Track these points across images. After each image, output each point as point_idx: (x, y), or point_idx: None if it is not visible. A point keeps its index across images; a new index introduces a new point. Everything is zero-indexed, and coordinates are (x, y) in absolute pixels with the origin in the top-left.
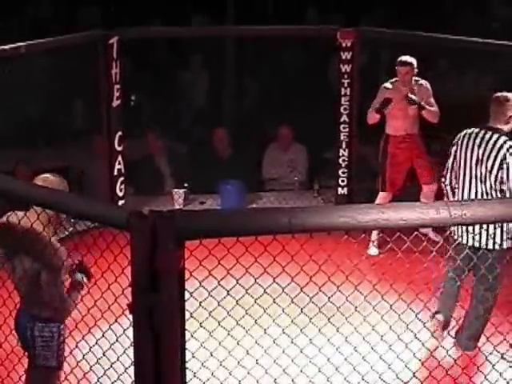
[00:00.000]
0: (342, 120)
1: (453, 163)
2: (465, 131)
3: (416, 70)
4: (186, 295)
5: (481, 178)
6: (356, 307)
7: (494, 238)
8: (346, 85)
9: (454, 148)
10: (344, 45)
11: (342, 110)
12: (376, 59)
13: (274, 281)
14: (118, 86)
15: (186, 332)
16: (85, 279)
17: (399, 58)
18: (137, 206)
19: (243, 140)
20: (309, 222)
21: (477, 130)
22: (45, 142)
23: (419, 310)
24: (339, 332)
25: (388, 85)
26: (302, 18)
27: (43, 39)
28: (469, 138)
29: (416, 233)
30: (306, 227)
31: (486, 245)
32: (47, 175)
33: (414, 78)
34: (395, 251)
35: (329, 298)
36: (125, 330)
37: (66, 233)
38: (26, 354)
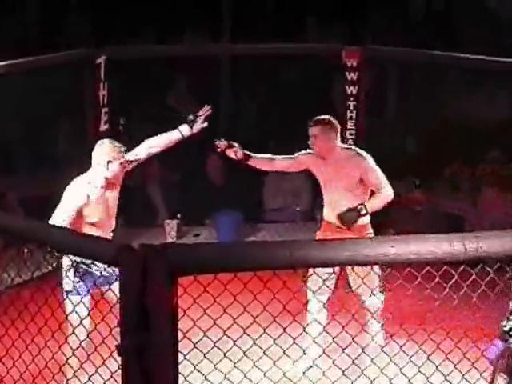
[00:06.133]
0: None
1: None
2: None
3: (334, 134)
4: (179, 335)
5: None
6: (363, 349)
7: None
8: (351, 107)
9: None
10: (349, 64)
11: (347, 135)
12: (384, 79)
13: (275, 320)
14: (105, 110)
15: (179, 376)
16: None
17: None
18: (126, 238)
19: (240, 166)
20: (311, 256)
21: None
22: (26, 170)
23: (431, 352)
24: (345, 375)
25: (302, 154)
26: (302, 30)
27: (24, 58)
28: None
29: (428, 268)
30: (309, 262)
31: None
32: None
33: (338, 144)
34: (405, 288)
35: (333, 338)
36: (113, 373)
37: (50, 268)
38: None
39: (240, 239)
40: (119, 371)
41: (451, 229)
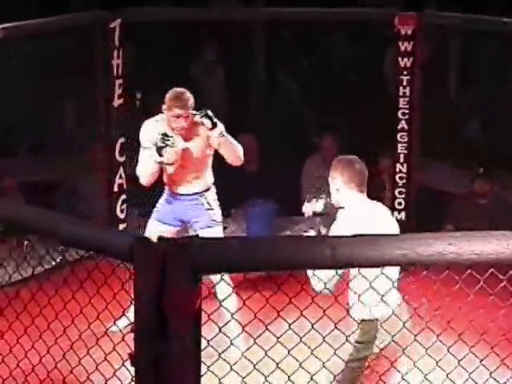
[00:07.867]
0: (399, 127)
1: None
2: None
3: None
4: (203, 343)
5: None
6: (414, 363)
7: None
8: (405, 83)
9: None
10: (403, 32)
11: (399, 115)
12: (444, 50)
13: (313, 327)
14: (120, 82)
15: None
16: None
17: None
18: (142, 230)
19: (275, 150)
20: (357, 254)
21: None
22: (27, 150)
23: (495, 368)
24: None
25: None
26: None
27: (25, 21)
28: None
29: (492, 270)
30: (354, 261)
31: None
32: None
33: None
34: (465, 292)
35: (381, 350)
36: None
37: (53, 263)
38: None
39: (274, 233)
40: None
41: None
